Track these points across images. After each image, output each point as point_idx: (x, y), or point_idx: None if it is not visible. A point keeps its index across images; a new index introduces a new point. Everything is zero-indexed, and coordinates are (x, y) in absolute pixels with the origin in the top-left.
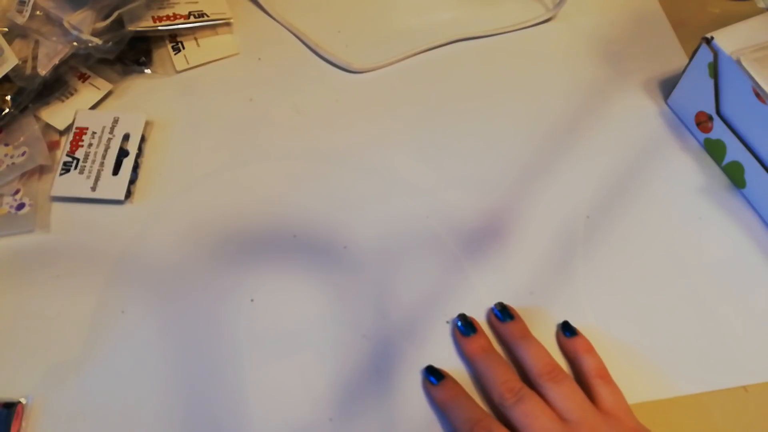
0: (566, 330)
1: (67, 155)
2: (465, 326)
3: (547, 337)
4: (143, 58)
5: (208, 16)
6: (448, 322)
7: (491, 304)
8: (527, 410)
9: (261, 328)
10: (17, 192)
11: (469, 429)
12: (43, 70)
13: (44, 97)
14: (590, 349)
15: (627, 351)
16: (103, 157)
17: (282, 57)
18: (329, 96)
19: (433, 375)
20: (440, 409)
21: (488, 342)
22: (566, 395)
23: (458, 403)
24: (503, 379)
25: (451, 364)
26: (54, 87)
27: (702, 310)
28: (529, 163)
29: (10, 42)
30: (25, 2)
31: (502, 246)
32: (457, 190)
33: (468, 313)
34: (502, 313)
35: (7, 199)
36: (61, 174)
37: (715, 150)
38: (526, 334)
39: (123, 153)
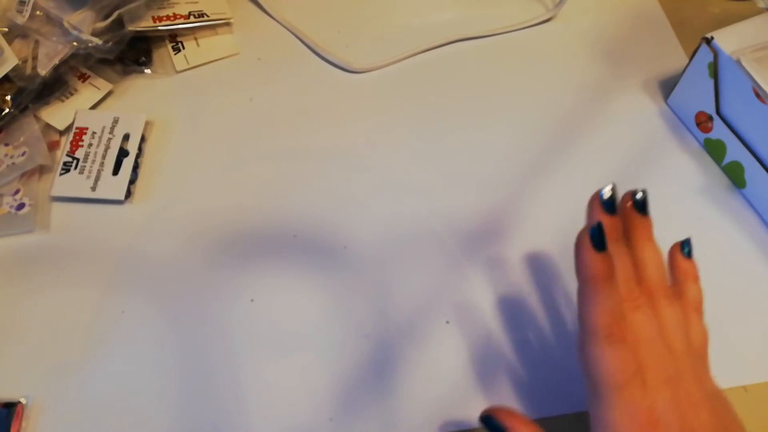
0: (686, 247)
1: (67, 155)
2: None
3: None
4: (143, 58)
5: (208, 16)
6: (448, 322)
7: (491, 304)
8: (642, 322)
9: (261, 328)
10: (17, 192)
11: (608, 326)
12: (43, 70)
13: (44, 97)
14: (698, 278)
15: None
16: (103, 157)
17: (282, 57)
18: (329, 96)
19: (598, 238)
20: (583, 284)
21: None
22: (677, 322)
23: (609, 288)
24: (626, 276)
25: (452, 363)
26: (54, 87)
27: None
28: (529, 163)
29: (10, 42)
30: (25, 2)
31: (502, 246)
32: (457, 190)
33: (467, 314)
34: (643, 204)
35: (7, 199)
36: (61, 174)
37: (715, 150)
38: (652, 238)
39: (123, 153)
